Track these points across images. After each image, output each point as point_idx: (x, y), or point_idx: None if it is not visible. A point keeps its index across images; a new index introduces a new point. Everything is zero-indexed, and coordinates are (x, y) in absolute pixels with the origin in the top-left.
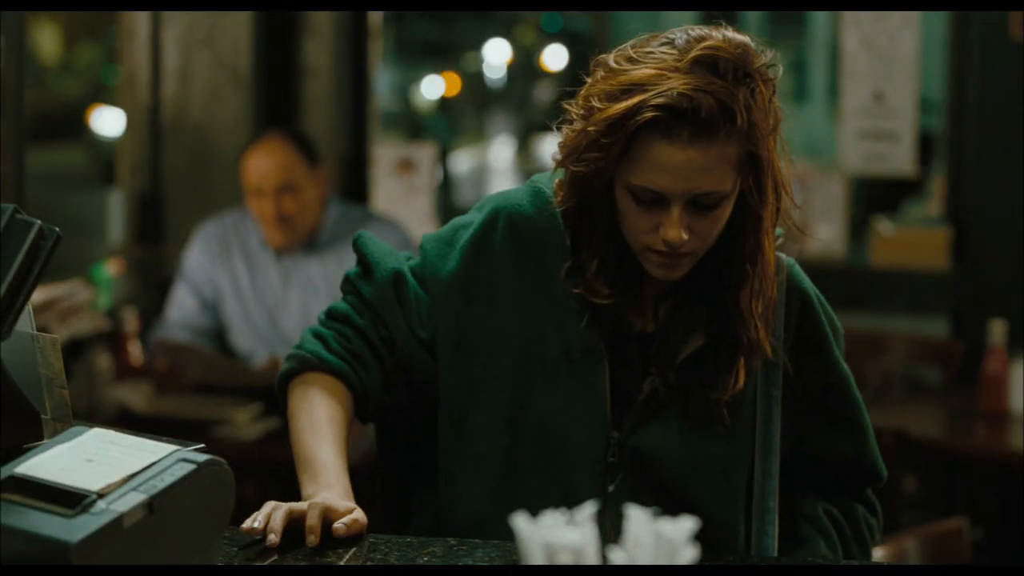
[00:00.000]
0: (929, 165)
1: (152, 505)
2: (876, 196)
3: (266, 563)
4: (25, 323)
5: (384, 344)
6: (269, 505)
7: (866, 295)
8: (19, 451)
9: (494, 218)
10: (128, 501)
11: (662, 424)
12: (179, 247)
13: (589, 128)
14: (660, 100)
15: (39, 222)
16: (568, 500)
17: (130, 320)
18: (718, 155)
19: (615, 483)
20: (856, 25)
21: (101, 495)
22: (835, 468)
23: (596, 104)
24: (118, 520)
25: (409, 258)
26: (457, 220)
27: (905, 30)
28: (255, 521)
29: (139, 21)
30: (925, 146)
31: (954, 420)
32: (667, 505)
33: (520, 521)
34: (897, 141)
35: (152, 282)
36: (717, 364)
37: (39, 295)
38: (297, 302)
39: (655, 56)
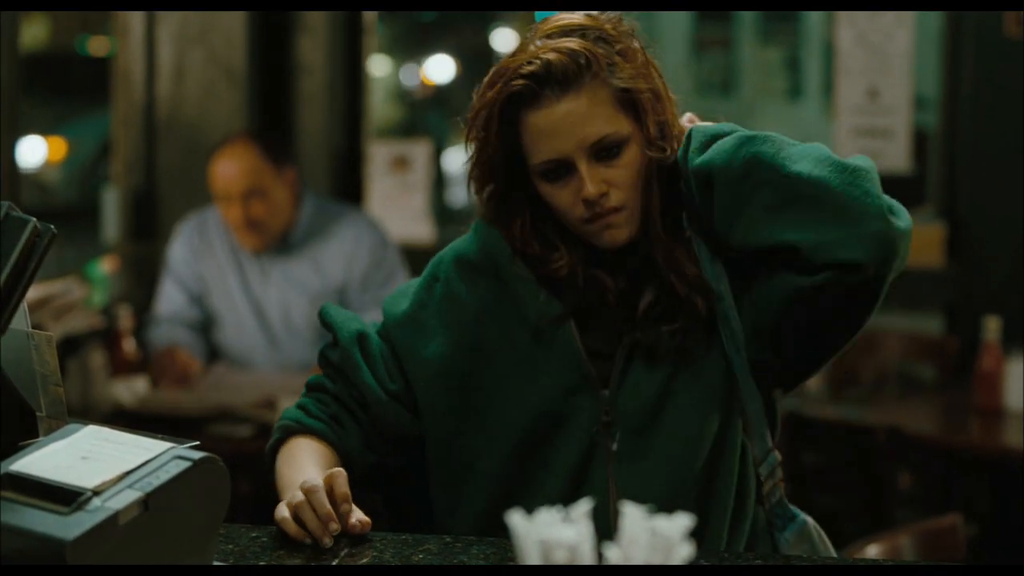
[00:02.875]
0: (924, 162)
1: (147, 502)
2: None
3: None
4: (20, 321)
5: (358, 404)
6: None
7: None
8: (14, 448)
9: (439, 260)
10: (123, 498)
11: (646, 373)
12: None
13: (472, 135)
14: (515, 73)
15: (34, 220)
16: (576, 475)
17: (124, 317)
18: (590, 100)
19: (616, 441)
20: (850, 22)
21: (96, 492)
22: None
23: (470, 115)
24: (113, 517)
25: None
26: (410, 280)
27: (899, 27)
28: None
29: (134, 19)
30: (920, 143)
31: (949, 416)
32: (671, 450)
33: (515, 519)
34: (892, 138)
35: (147, 279)
36: (669, 305)
37: (34, 292)
38: (277, 299)
39: (515, 49)
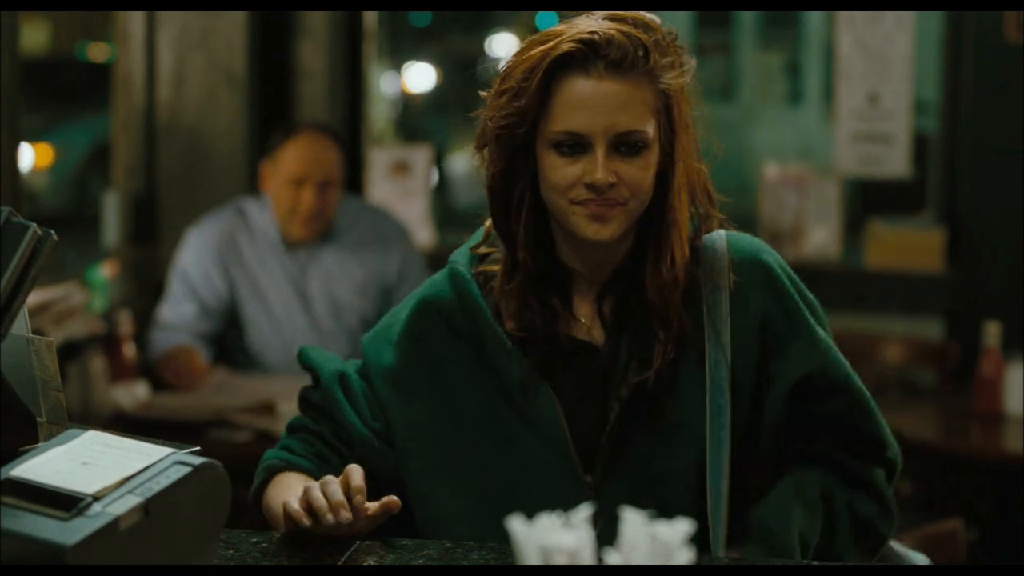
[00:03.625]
0: (925, 167)
1: (148, 508)
2: (873, 197)
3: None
4: (21, 326)
5: (343, 443)
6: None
7: (861, 297)
8: (15, 454)
9: (420, 309)
10: (124, 504)
11: (630, 446)
12: (174, 249)
13: (505, 85)
14: (575, 36)
15: (34, 225)
16: None
17: (125, 322)
18: (634, 91)
19: (598, 528)
20: (851, 27)
21: (97, 498)
22: (832, 441)
23: (511, 64)
24: (114, 523)
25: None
26: (389, 316)
27: (900, 32)
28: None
29: (134, 23)
30: (921, 148)
31: (949, 422)
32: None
33: (516, 524)
34: (892, 143)
35: (147, 284)
36: (652, 354)
37: (34, 297)
38: (321, 289)
39: (568, 21)
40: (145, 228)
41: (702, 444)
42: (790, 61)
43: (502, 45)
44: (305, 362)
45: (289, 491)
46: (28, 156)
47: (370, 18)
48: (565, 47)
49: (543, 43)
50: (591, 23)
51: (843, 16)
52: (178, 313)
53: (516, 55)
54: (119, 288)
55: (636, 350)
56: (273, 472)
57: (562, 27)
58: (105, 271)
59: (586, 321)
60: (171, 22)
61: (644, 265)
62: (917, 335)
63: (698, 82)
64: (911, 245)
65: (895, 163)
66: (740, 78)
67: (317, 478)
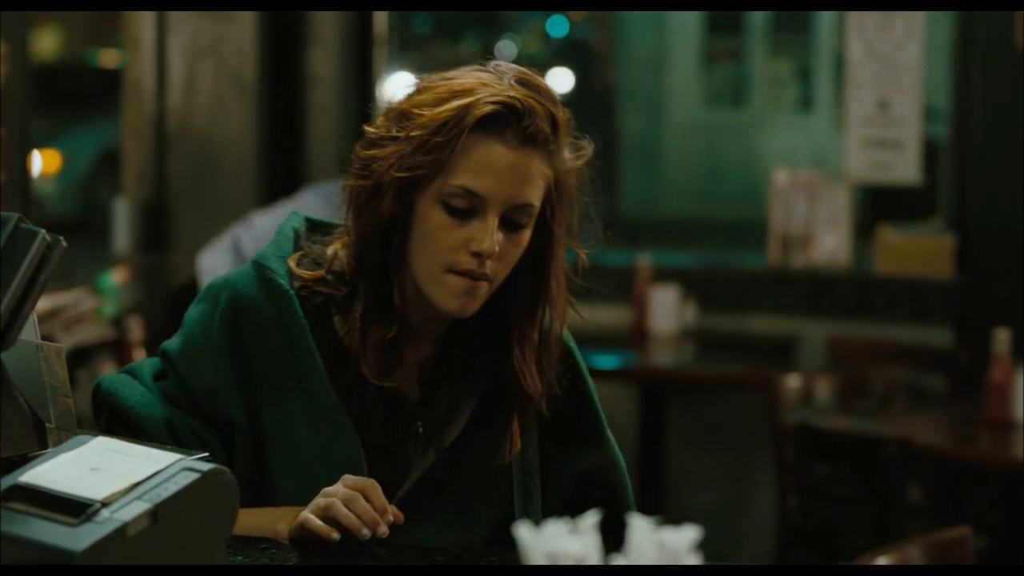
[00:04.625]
0: (935, 173)
1: (156, 514)
2: (883, 204)
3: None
4: (30, 332)
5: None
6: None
7: (871, 303)
8: (24, 460)
9: (230, 313)
10: (132, 510)
11: (428, 513)
12: (184, 255)
13: (413, 134)
14: (496, 98)
15: (43, 231)
16: None
17: (135, 328)
18: (538, 166)
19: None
20: (861, 34)
21: (105, 504)
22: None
23: (418, 111)
24: (122, 529)
25: (155, 373)
26: (194, 321)
27: (910, 38)
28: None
29: (144, 30)
30: (931, 154)
31: (959, 428)
32: None
33: (523, 530)
34: (902, 150)
35: (157, 290)
36: (487, 429)
37: (44, 303)
38: None
39: (473, 75)
40: (155, 234)
41: (498, 523)
42: (801, 67)
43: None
44: (117, 406)
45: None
46: (36, 162)
47: (380, 25)
48: (487, 108)
49: (458, 97)
50: (505, 86)
51: (853, 23)
52: None
53: (422, 101)
54: (129, 294)
55: (448, 415)
56: None
57: (473, 82)
58: (115, 277)
59: (406, 373)
60: (181, 29)
61: (492, 332)
62: (926, 342)
63: (707, 88)
64: (921, 251)
65: (905, 169)
66: (750, 85)
67: None
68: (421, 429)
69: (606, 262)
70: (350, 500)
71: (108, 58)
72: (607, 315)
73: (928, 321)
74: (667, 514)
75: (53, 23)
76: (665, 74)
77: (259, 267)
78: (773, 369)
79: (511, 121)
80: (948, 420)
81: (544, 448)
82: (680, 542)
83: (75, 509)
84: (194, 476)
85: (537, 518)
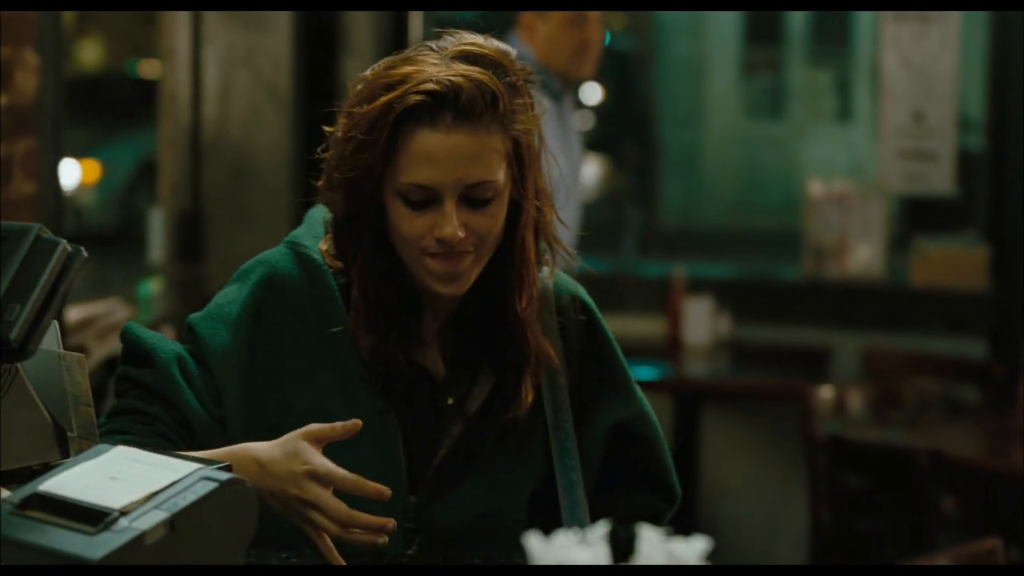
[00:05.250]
0: (971, 184)
1: (174, 523)
2: (919, 215)
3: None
4: (52, 342)
5: (182, 427)
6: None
7: (905, 314)
8: (45, 468)
9: (263, 288)
10: (150, 519)
11: (462, 481)
12: (219, 265)
13: (350, 133)
14: (421, 87)
15: (64, 242)
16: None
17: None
18: (483, 142)
19: (414, 547)
20: (895, 45)
21: (124, 513)
22: (634, 487)
23: (356, 109)
24: (140, 538)
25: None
26: (222, 295)
27: (944, 49)
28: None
29: (180, 40)
30: (967, 165)
31: (992, 441)
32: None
33: (532, 540)
34: (936, 161)
35: (192, 300)
36: (506, 391)
37: (78, 313)
38: None
39: (414, 59)
40: (191, 244)
41: (536, 484)
42: (840, 78)
43: None
44: (133, 339)
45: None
46: (76, 172)
47: (415, 34)
48: (410, 99)
49: (389, 89)
50: (439, 69)
51: (888, 34)
52: None
53: (360, 98)
54: (163, 304)
55: (472, 385)
56: None
57: (409, 69)
58: (154, 287)
59: (429, 347)
60: (217, 39)
61: (494, 298)
62: (961, 353)
63: (746, 98)
64: (955, 263)
65: (939, 180)
66: (789, 96)
67: None
68: (451, 401)
69: (642, 273)
70: (352, 516)
71: (148, 69)
72: (642, 326)
73: (963, 333)
74: (700, 524)
75: (95, 34)
76: (704, 85)
77: (293, 244)
78: (807, 380)
79: (440, 106)
80: (981, 432)
81: (574, 406)
82: (689, 553)
83: (93, 518)
84: (212, 486)
85: (575, 476)
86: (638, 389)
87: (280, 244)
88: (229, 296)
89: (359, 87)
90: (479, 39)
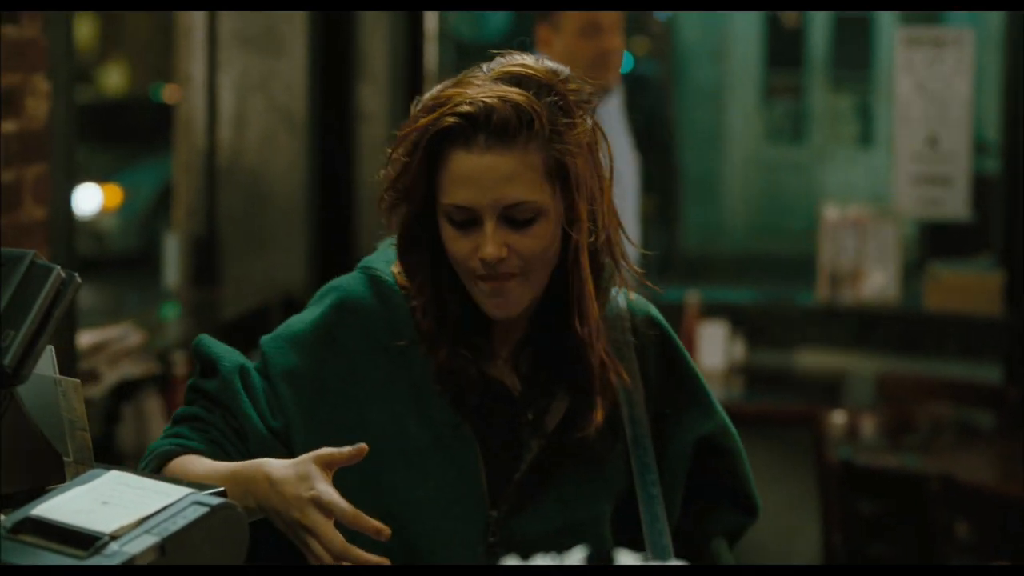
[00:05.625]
0: (987, 208)
1: (164, 547)
2: (938, 239)
3: None
4: (48, 366)
5: (237, 435)
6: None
7: (919, 339)
8: (39, 492)
9: (335, 311)
10: (140, 543)
11: (542, 496)
12: (235, 289)
13: (396, 155)
14: (456, 109)
15: (58, 268)
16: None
17: (180, 363)
18: (520, 161)
19: (500, 559)
20: (909, 70)
21: (114, 537)
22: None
23: (402, 132)
24: (130, 562)
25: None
26: (296, 318)
27: (959, 74)
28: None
29: (196, 66)
30: (984, 189)
31: (1006, 464)
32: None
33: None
34: (951, 186)
35: (207, 325)
36: (580, 410)
37: (90, 338)
38: None
39: (462, 80)
40: (205, 269)
41: (614, 499)
42: (860, 102)
43: None
44: (203, 351)
45: (190, 473)
46: (97, 197)
47: (430, 61)
48: (445, 122)
49: (428, 111)
50: (479, 90)
51: (902, 59)
52: None
53: (412, 117)
54: (177, 328)
55: (549, 402)
56: (167, 458)
57: (451, 91)
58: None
59: (503, 364)
60: (232, 65)
61: (559, 320)
62: (976, 378)
63: (767, 123)
64: (969, 288)
65: (954, 205)
66: (810, 120)
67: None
68: (530, 416)
69: (659, 298)
70: (346, 551)
71: (171, 94)
72: None
73: (978, 357)
74: None
75: (119, 59)
76: (725, 109)
77: (366, 269)
78: (821, 405)
79: (473, 127)
80: (994, 456)
81: (654, 421)
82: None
83: (84, 542)
84: (203, 510)
85: (655, 491)
86: (718, 404)
87: (355, 270)
88: (303, 319)
89: (415, 109)
90: (529, 59)
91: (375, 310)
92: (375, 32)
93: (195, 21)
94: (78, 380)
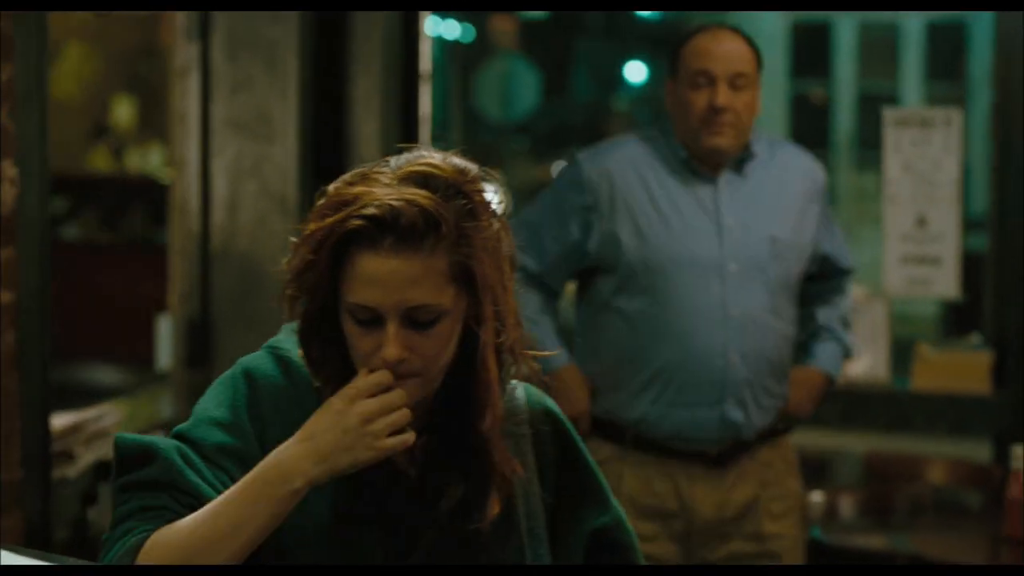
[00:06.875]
0: (978, 287)
1: None
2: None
3: None
4: None
5: (192, 511)
6: None
7: (908, 419)
8: None
9: (248, 387)
10: None
11: None
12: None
13: (301, 250)
14: (363, 212)
15: None
16: None
17: None
18: (425, 266)
19: None
20: (897, 150)
21: None
22: None
23: (309, 227)
24: None
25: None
26: (205, 401)
27: (947, 154)
28: None
29: (189, 151)
30: (975, 267)
31: (989, 543)
32: None
33: None
34: (940, 266)
35: None
36: (475, 501)
37: (65, 420)
38: (736, 229)
39: (368, 177)
40: (199, 351)
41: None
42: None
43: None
44: (130, 443)
45: (176, 545)
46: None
47: (424, 135)
48: (351, 224)
49: (334, 209)
50: (387, 191)
51: (890, 140)
52: (549, 262)
53: (318, 210)
54: (166, 409)
55: (444, 489)
56: (139, 547)
57: (358, 190)
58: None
59: (402, 452)
60: (225, 150)
61: (460, 413)
62: (965, 457)
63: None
64: (959, 367)
65: (943, 285)
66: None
67: None
68: (423, 504)
69: None
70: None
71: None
72: None
73: (967, 437)
74: None
75: (122, 95)
76: None
77: (271, 348)
78: (807, 485)
79: (380, 231)
80: (976, 535)
81: (550, 514)
82: None
83: None
84: None
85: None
86: (613, 497)
87: (261, 349)
88: (213, 400)
89: (320, 202)
90: (436, 158)
91: (282, 387)
92: (367, 116)
93: (189, 107)
94: None
